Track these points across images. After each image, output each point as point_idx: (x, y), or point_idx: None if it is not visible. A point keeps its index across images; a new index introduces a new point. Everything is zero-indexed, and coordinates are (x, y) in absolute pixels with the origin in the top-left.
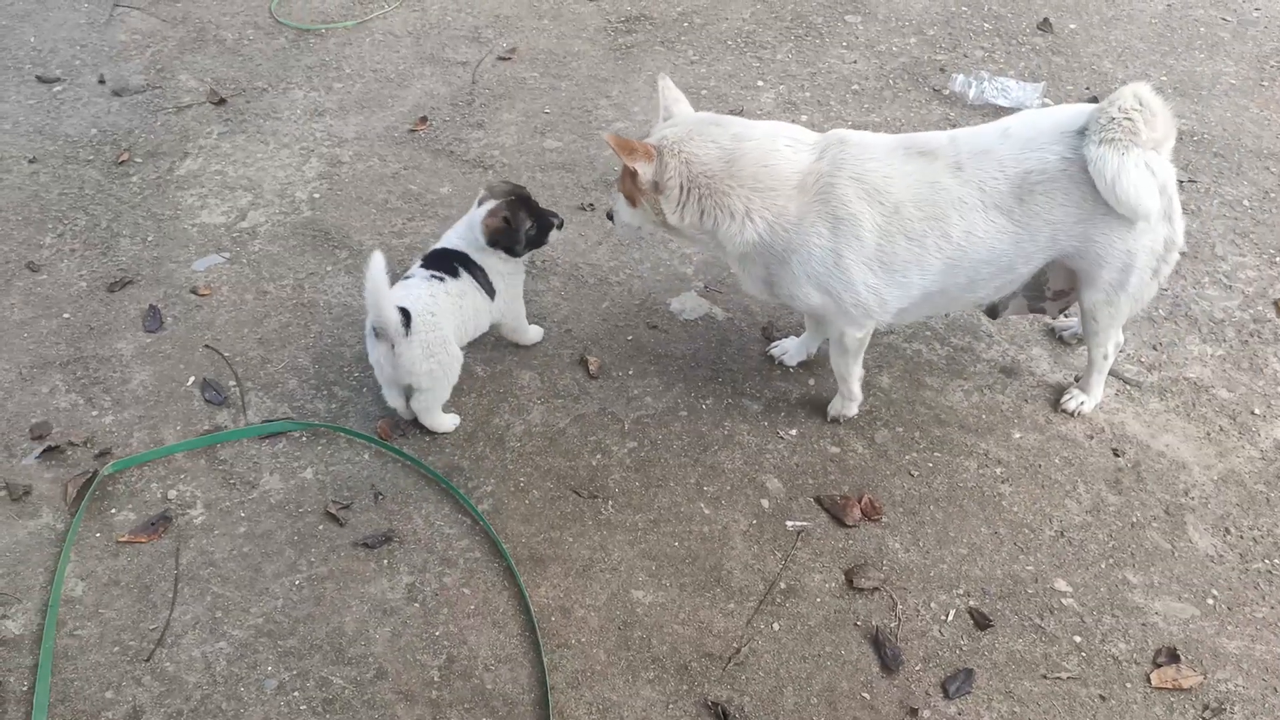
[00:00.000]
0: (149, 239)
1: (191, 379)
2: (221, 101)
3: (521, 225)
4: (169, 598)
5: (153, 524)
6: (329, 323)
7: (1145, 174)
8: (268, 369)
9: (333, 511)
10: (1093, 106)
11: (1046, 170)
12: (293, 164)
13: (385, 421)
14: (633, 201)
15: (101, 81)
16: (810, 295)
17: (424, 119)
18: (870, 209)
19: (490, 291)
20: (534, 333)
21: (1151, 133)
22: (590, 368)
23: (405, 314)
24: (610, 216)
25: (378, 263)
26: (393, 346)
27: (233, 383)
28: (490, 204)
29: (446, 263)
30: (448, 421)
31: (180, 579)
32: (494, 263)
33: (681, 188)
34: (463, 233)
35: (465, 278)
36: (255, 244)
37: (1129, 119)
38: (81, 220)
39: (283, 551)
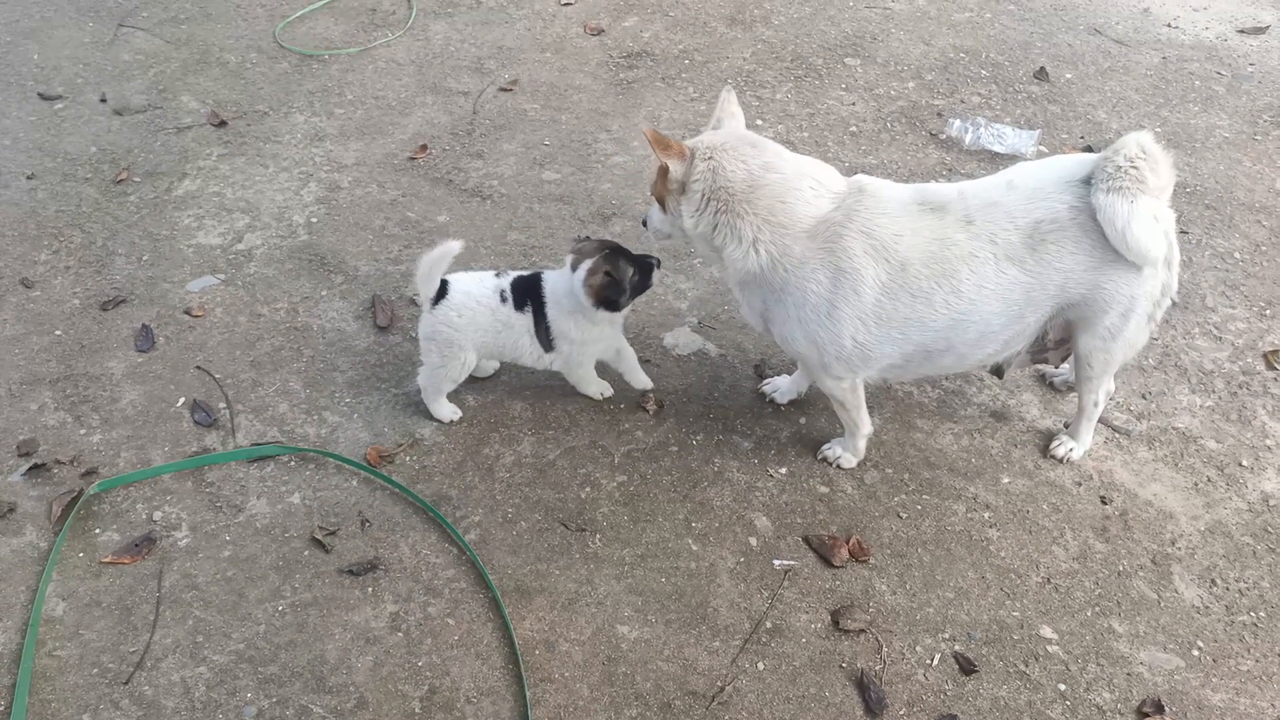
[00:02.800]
0: (144, 258)
1: (181, 400)
2: (222, 124)
3: (625, 275)
4: (150, 620)
5: (137, 545)
6: (322, 347)
7: (1152, 222)
8: (259, 392)
9: (319, 538)
10: (1093, 156)
11: (1057, 220)
12: (291, 188)
13: (374, 449)
14: (663, 204)
15: (103, 100)
16: (797, 340)
17: (424, 147)
18: (875, 265)
19: (546, 345)
20: (594, 389)
21: (1156, 180)
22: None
23: (443, 290)
24: (645, 223)
25: (453, 246)
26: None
27: (223, 405)
28: (587, 263)
29: (524, 292)
30: (444, 410)
31: (162, 602)
32: (567, 327)
33: (703, 195)
34: (555, 287)
35: (524, 317)
36: (251, 266)
37: (1135, 168)
38: (78, 238)
39: (267, 576)
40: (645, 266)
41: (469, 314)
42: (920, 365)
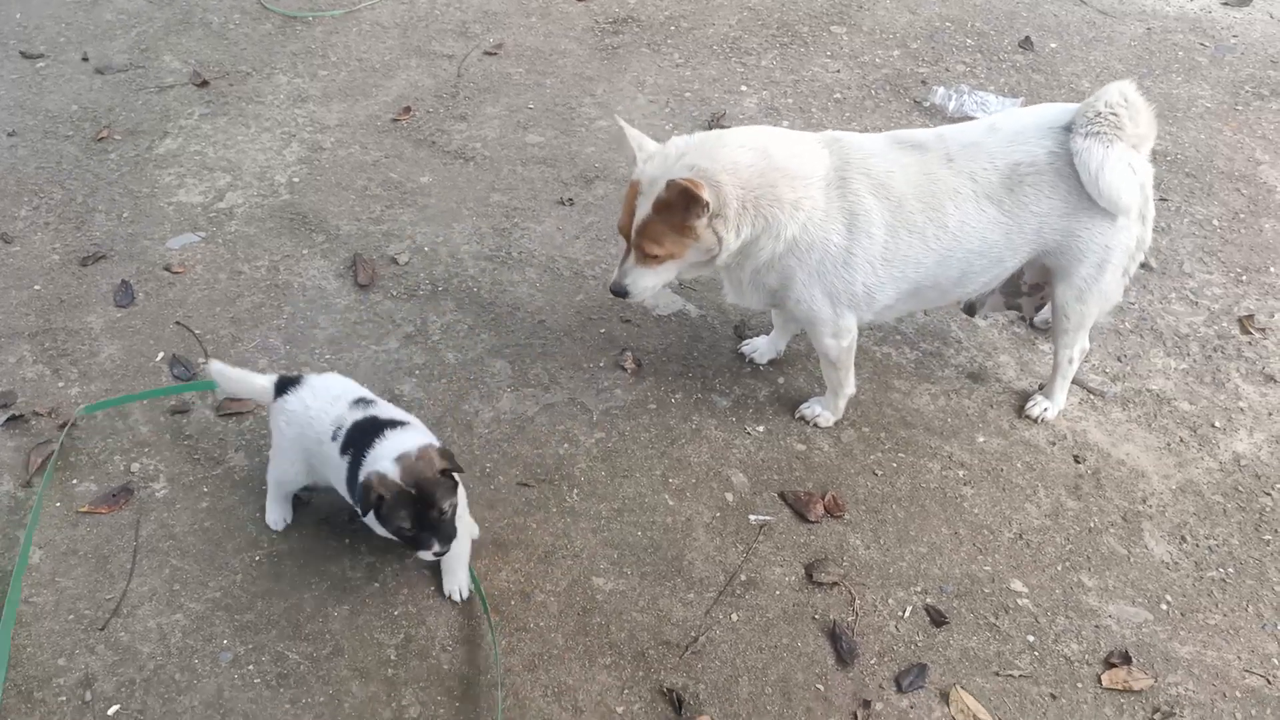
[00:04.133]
0: (124, 215)
1: (161, 354)
2: (204, 84)
3: (396, 509)
4: (127, 569)
5: (114, 496)
6: (302, 305)
7: (1127, 170)
8: (238, 347)
9: (297, 491)
10: (1075, 105)
11: (1035, 163)
12: (273, 148)
13: None
14: (655, 260)
15: (85, 59)
16: (815, 298)
17: (407, 109)
18: (879, 204)
19: (362, 506)
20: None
21: (1135, 129)
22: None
23: (294, 384)
24: (619, 293)
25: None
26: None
27: (202, 360)
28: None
29: (359, 437)
30: (273, 513)
31: (139, 551)
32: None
33: (739, 201)
34: (383, 451)
35: (343, 463)
36: (232, 224)
37: (1114, 114)
38: (58, 194)
39: (244, 528)
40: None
41: (296, 427)
42: (907, 303)
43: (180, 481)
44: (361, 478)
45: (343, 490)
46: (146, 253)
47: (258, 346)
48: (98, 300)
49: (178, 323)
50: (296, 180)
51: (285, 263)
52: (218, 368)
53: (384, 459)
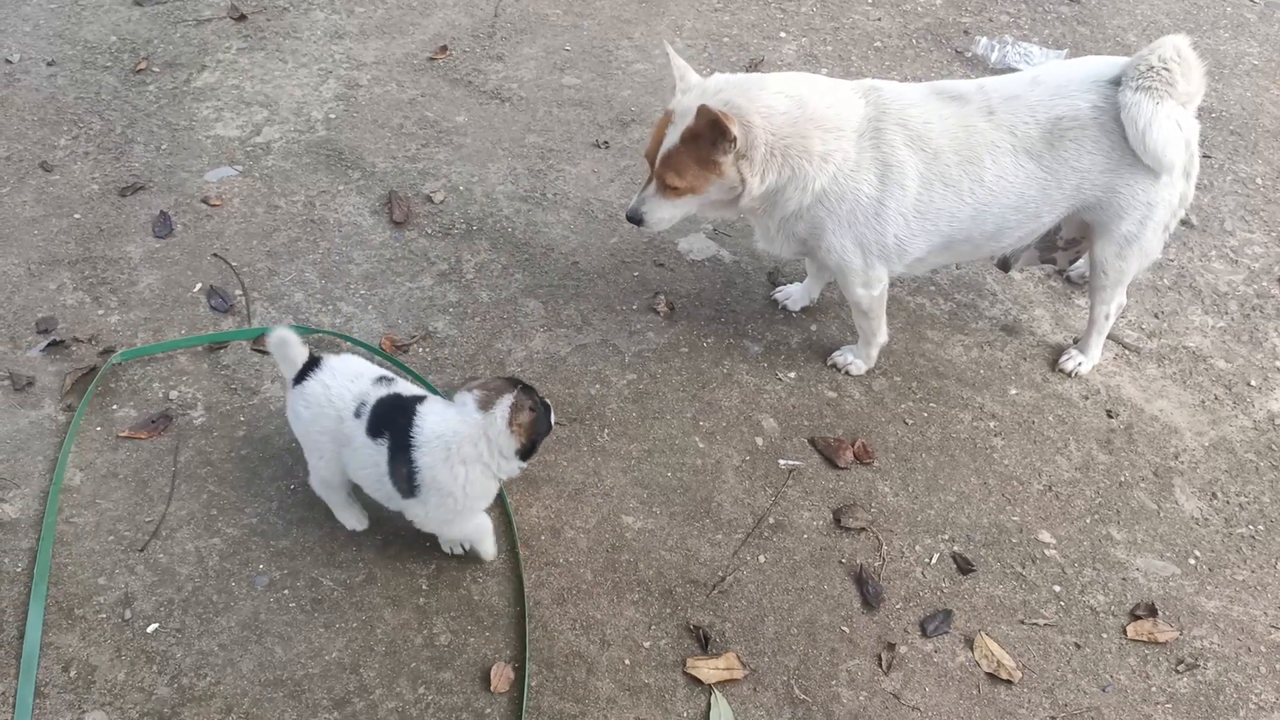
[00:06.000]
0: (163, 147)
1: (198, 285)
2: (242, 18)
3: (549, 408)
4: (165, 493)
5: (153, 421)
6: (338, 240)
7: (1174, 126)
8: (274, 281)
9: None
10: (1123, 59)
11: (1078, 117)
12: (310, 84)
13: (388, 337)
14: (675, 192)
15: None
16: (846, 248)
17: (444, 48)
18: (914, 156)
19: (409, 489)
20: (490, 544)
21: (1186, 85)
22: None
23: (314, 366)
24: (635, 219)
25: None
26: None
27: (239, 292)
28: (506, 399)
29: (389, 419)
30: (346, 517)
31: (178, 476)
32: (449, 478)
33: (766, 145)
34: (442, 427)
35: (377, 449)
36: (269, 159)
37: (1167, 69)
38: (96, 125)
39: (280, 457)
40: (546, 404)
41: (315, 409)
42: (939, 256)
43: (217, 410)
44: (504, 423)
45: (372, 482)
46: (184, 185)
47: (293, 280)
48: (136, 230)
49: (215, 255)
50: (333, 117)
51: (321, 198)
52: (281, 335)
53: (483, 420)
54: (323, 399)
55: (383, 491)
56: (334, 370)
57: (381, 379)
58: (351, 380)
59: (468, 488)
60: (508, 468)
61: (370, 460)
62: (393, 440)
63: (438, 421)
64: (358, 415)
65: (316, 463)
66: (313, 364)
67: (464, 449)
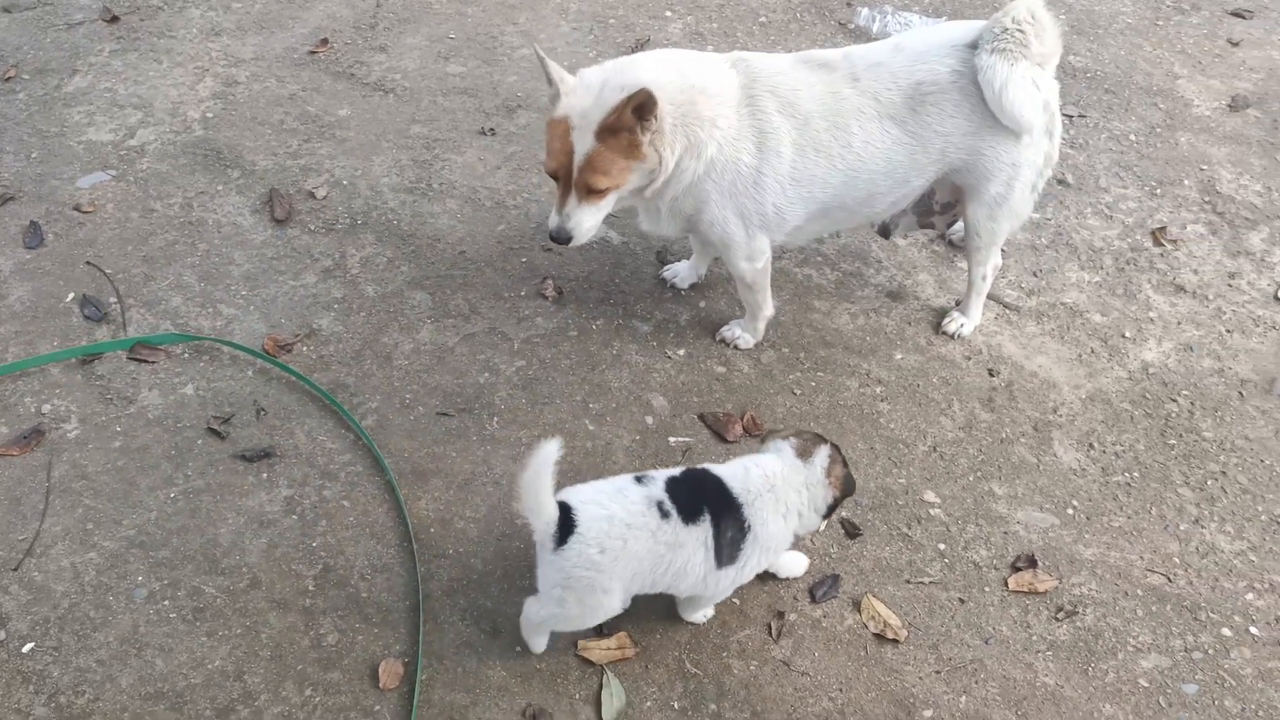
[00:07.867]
0: (33, 155)
1: (71, 295)
2: (114, 19)
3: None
4: (40, 509)
5: (25, 437)
6: (217, 241)
7: (1030, 87)
8: (151, 286)
9: (214, 426)
10: (981, 22)
11: (938, 82)
12: (186, 83)
13: (271, 338)
14: (599, 195)
15: None
16: (728, 219)
17: (325, 41)
18: (787, 122)
19: (727, 558)
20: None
21: (1041, 47)
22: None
23: (568, 519)
24: (563, 239)
25: (550, 450)
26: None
27: (113, 299)
28: (824, 450)
29: (696, 497)
30: (540, 643)
31: (52, 491)
32: (775, 530)
33: (671, 118)
34: (774, 480)
35: (700, 529)
36: (144, 162)
37: (1021, 30)
38: None
39: (159, 465)
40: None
41: (615, 546)
42: (817, 224)
43: (92, 421)
44: (824, 474)
45: (690, 572)
46: (56, 193)
47: (171, 284)
48: (6, 243)
49: (88, 262)
50: (210, 116)
51: (199, 199)
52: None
53: (806, 471)
54: (618, 529)
55: (691, 578)
56: (595, 501)
57: (637, 479)
58: (618, 495)
59: (782, 541)
60: (809, 523)
61: (697, 542)
62: (713, 511)
63: (759, 476)
64: (665, 515)
65: (595, 614)
66: (566, 517)
67: (789, 497)
